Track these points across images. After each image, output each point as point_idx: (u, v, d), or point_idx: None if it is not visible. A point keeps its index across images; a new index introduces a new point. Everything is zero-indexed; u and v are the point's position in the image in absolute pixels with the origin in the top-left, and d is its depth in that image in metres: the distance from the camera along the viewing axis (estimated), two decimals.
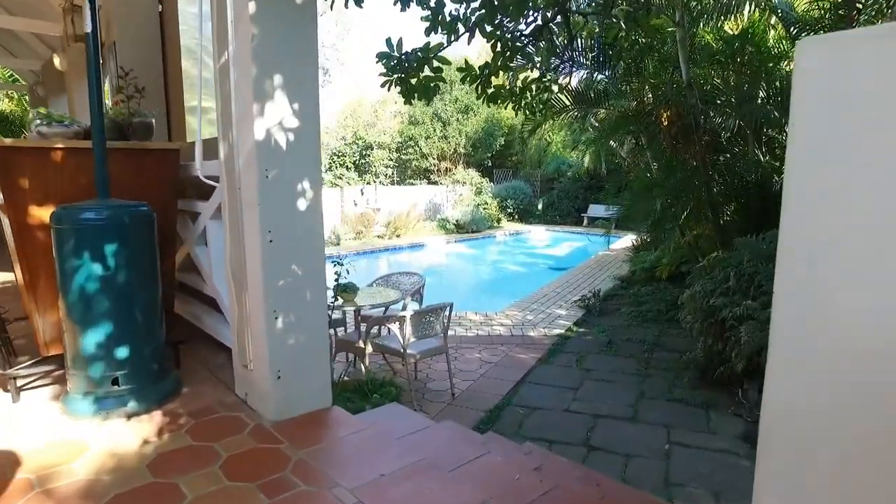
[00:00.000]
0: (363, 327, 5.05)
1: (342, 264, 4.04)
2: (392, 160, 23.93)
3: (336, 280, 4.14)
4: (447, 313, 4.91)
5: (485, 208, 20.09)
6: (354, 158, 23.87)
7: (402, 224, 17.24)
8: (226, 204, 2.55)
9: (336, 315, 5.86)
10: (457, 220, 18.33)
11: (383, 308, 5.53)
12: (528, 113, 3.84)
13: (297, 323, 2.45)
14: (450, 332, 6.81)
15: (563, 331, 6.93)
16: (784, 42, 6.59)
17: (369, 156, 23.66)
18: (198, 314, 3.50)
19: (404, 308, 5.51)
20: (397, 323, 4.69)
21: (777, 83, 6.10)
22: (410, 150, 23.30)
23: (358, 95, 27.43)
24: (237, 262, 2.52)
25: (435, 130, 22.32)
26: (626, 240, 14.42)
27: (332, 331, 5.85)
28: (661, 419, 4.40)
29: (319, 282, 2.51)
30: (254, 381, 2.57)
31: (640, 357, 5.86)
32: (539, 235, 19.31)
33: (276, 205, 2.35)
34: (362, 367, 5.07)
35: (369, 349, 5.06)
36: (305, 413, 2.52)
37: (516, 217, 21.68)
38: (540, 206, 22.36)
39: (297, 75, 2.35)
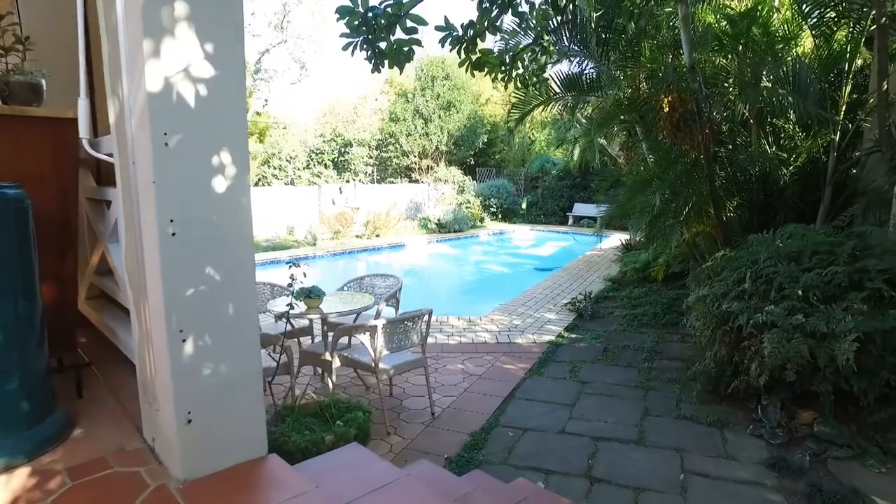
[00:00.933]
0: (331, 337, 4.42)
1: (298, 265, 3.39)
2: (372, 158, 23.26)
3: (290, 284, 3.48)
4: (426, 321, 4.28)
5: (467, 207, 19.52)
6: (333, 156, 23.15)
7: (381, 223, 16.58)
8: (119, 184, 1.89)
9: (302, 323, 5.22)
10: (438, 220, 17.71)
11: (354, 315, 4.91)
12: (519, 86, 3.22)
13: (215, 346, 1.80)
14: (430, 340, 6.18)
15: (553, 337, 6.36)
16: (789, 25, 6.10)
17: (348, 153, 22.96)
18: (113, 328, 2.82)
19: (378, 315, 4.89)
20: (367, 333, 4.05)
21: (785, 67, 5.59)
22: (391, 147, 22.65)
23: (337, 90, 26.74)
24: (134, 263, 1.86)
25: (416, 127, 21.70)
26: (614, 239, 13.97)
27: (296, 340, 5.21)
28: (671, 441, 3.83)
29: (247, 291, 1.86)
30: (160, 424, 1.91)
31: (640, 367, 5.30)
32: (523, 235, 18.80)
33: (181, 184, 1.69)
34: (329, 383, 4.43)
35: (337, 363, 4.42)
36: (229, 468, 1.86)
37: (500, 216, 21.16)
38: (524, 206, 21.89)
39: (212, 5, 1.70)
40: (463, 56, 3.03)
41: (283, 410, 3.64)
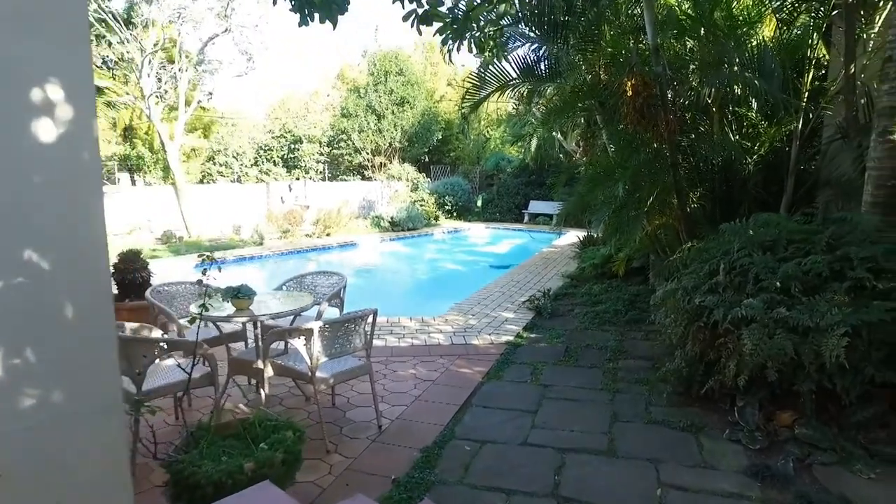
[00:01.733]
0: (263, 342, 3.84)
1: (214, 259, 2.81)
2: (323, 155, 22.46)
3: (199, 281, 2.90)
4: (370, 322, 3.77)
5: (421, 205, 19.02)
6: (282, 153, 22.25)
7: (332, 222, 15.87)
8: None
9: (233, 327, 4.62)
10: (392, 218, 17.14)
11: (291, 317, 4.35)
12: (473, 51, 2.76)
13: (42, 366, 1.24)
14: (380, 343, 5.67)
15: (511, 337, 5.95)
16: (749, 10, 5.92)
17: (298, 150, 22.10)
18: None
19: (319, 316, 4.35)
20: (302, 337, 3.50)
21: (748, 52, 5.37)
22: (343, 143, 21.89)
23: (286, 85, 25.79)
24: None
25: (369, 123, 21.03)
26: (571, 236, 13.82)
27: (224, 347, 4.61)
28: (644, 451, 3.47)
29: (96, 286, 1.31)
30: None
31: (605, 367, 4.96)
32: (479, 233, 18.49)
33: None
34: (262, 394, 3.85)
35: (270, 371, 3.85)
36: None
37: (454, 214, 20.78)
38: (479, 203, 21.60)
39: None
40: (408, 7, 2.55)
41: (198, 432, 3.04)
